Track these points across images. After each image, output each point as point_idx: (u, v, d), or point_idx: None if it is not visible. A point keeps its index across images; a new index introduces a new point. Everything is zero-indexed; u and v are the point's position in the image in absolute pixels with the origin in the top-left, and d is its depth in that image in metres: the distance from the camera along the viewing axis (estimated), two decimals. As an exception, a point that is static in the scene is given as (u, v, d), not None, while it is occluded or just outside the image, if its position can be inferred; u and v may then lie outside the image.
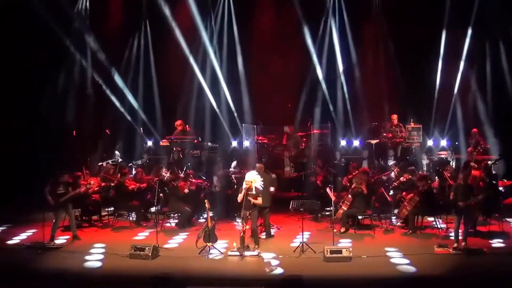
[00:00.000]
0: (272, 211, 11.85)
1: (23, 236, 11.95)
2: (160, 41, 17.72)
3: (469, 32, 16.34)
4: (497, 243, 10.90)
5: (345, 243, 10.89)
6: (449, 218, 11.89)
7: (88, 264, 9.95)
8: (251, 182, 10.43)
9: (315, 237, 11.43)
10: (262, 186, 10.67)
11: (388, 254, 10.24)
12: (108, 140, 16.78)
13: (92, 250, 10.69)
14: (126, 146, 16.86)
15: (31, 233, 12.08)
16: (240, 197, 10.53)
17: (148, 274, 9.24)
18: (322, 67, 17.48)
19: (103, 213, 13.57)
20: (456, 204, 10.52)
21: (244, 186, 10.41)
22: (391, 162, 15.36)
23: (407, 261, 9.79)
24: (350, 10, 17.38)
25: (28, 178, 13.97)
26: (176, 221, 12.96)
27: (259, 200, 10.52)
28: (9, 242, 11.50)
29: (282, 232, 12.24)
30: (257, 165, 12.20)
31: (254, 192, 10.45)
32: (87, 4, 17.40)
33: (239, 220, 11.43)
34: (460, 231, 10.49)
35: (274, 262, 9.94)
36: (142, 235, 12.02)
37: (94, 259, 10.22)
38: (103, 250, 10.72)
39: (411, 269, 9.44)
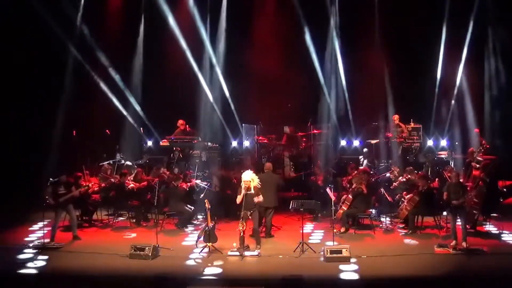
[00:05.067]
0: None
1: (24, 236, 11.94)
2: (159, 40, 17.70)
3: (469, 31, 16.32)
4: (497, 243, 10.90)
5: (348, 242, 10.87)
6: (449, 218, 11.88)
7: (87, 264, 9.94)
8: (250, 181, 10.44)
9: (315, 237, 11.43)
10: (260, 184, 10.64)
11: (387, 254, 10.22)
12: (108, 140, 16.80)
13: (92, 250, 10.67)
14: (126, 146, 16.85)
15: (31, 233, 12.08)
16: (239, 199, 10.54)
17: (148, 274, 9.24)
18: (322, 66, 17.46)
19: (103, 213, 13.59)
20: (450, 203, 10.53)
21: (243, 186, 10.42)
22: (390, 162, 15.34)
23: (407, 262, 9.79)
24: (350, 10, 17.36)
25: (28, 178, 13.96)
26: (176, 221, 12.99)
27: (261, 198, 10.54)
28: (10, 242, 11.49)
29: (282, 232, 12.24)
30: (266, 164, 12.19)
31: (253, 191, 10.46)
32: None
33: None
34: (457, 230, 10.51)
35: (274, 262, 9.95)
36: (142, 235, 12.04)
37: (94, 259, 10.22)
38: (103, 250, 10.72)
39: (412, 269, 9.43)
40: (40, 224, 11.30)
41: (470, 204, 11.20)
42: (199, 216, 13.28)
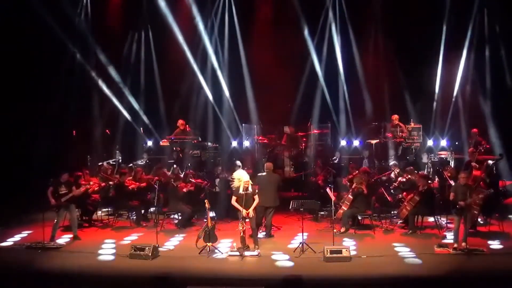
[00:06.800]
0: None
1: (23, 236, 11.94)
2: (160, 41, 17.73)
3: (469, 31, 16.32)
4: (497, 243, 10.90)
5: (348, 242, 10.90)
6: (449, 218, 11.90)
7: (88, 264, 9.94)
8: (249, 181, 10.45)
9: (315, 237, 11.43)
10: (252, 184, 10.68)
11: (387, 254, 10.23)
12: (108, 140, 16.79)
13: (92, 250, 10.67)
14: (126, 146, 16.85)
15: (31, 233, 12.06)
16: (234, 199, 10.56)
17: (148, 274, 9.24)
18: (322, 66, 17.48)
19: (103, 213, 13.58)
20: (457, 204, 10.51)
21: (243, 186, 10.43)
22: (391, 162, 15.36)
23: (407, 262, 9.80)
24: (351, 9, 17.37)
25: (27, 178, 13.95)
26: (176, 221, 12.98)
27: (257, 200, 10.55)
28: (9, 242, 11.49)
29: (282, 232, 12.24)
30: (266, 164, 12.19)
31: (250, 191, 10.47)
32: (88, 3, 17.40)
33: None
34: (460, 231, 10.50)
35: (274, 262, 9.96)
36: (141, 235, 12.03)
37: (94, 259, 10.22)
38: (102, 250, 10.72)
39: (411, 269, 9.44)
40: (40, 224, 11.26)
41: (471, 205, 11.17)
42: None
